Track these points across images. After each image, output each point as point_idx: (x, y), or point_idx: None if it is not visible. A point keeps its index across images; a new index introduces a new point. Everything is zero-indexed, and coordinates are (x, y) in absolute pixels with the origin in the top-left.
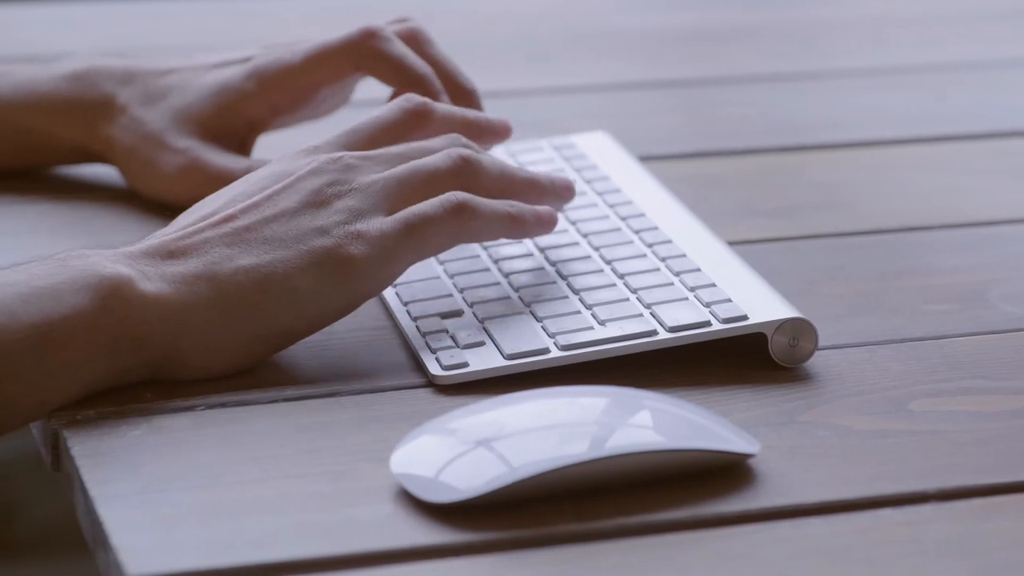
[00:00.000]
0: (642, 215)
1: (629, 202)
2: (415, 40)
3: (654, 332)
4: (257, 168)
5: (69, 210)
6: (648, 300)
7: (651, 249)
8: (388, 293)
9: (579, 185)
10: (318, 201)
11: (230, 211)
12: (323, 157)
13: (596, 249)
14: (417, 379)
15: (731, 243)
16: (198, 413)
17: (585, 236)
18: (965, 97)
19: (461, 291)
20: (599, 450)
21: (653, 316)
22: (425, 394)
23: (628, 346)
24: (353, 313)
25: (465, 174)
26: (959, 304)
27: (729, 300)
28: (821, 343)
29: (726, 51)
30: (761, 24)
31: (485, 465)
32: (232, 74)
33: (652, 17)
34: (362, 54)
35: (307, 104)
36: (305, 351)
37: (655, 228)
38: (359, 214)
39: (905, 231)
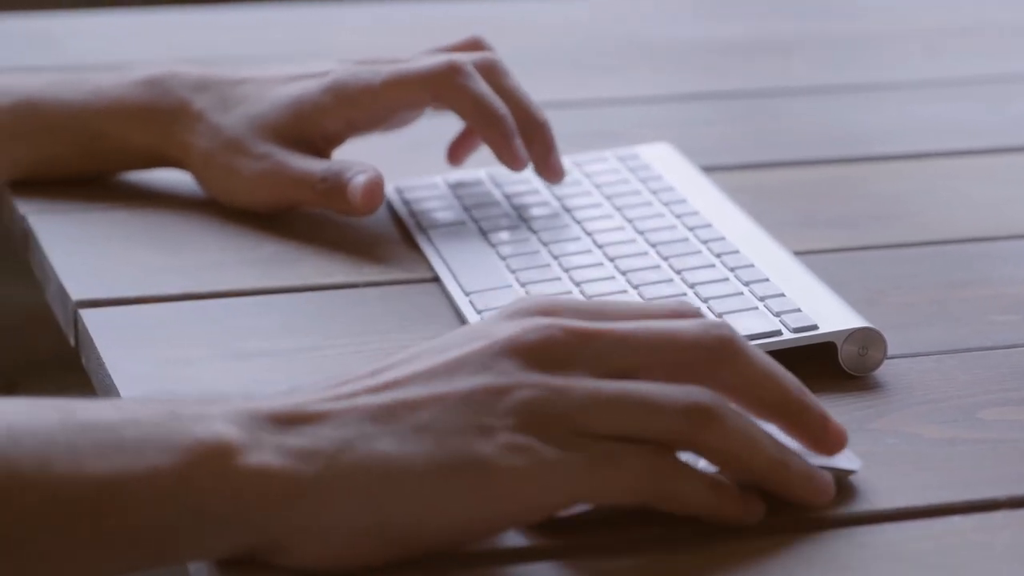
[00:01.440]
0: (709, 225)
1: (695, 212)
2: (491, 72)
3: None
4: (336, 168)
5: (143, 217)
6: (719, 309)
7: (720, 259)
8: (463, 301)
9: (645, 195)
10: (496, 389)
11: (401, 373)
12: (527, 326)
13: (665, 259)
14: None
15: (794, 253)
16: None
17: (654, 246)
18: (1022, 108)
19: (524, 285)
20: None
21: None
22: None
23: None
24: (425, 315)
25: (694, 425)
26: (1022, 315)
27: (799, 310)
28: (888, 352)
29: (780, 62)
30: (813, 35)
31: None
32: (309, 87)
33: (705, 27)
34: (443, 88)
35: (382, 123)
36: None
37: (722, 238)
38: (541, 425)
39: (968, 242)
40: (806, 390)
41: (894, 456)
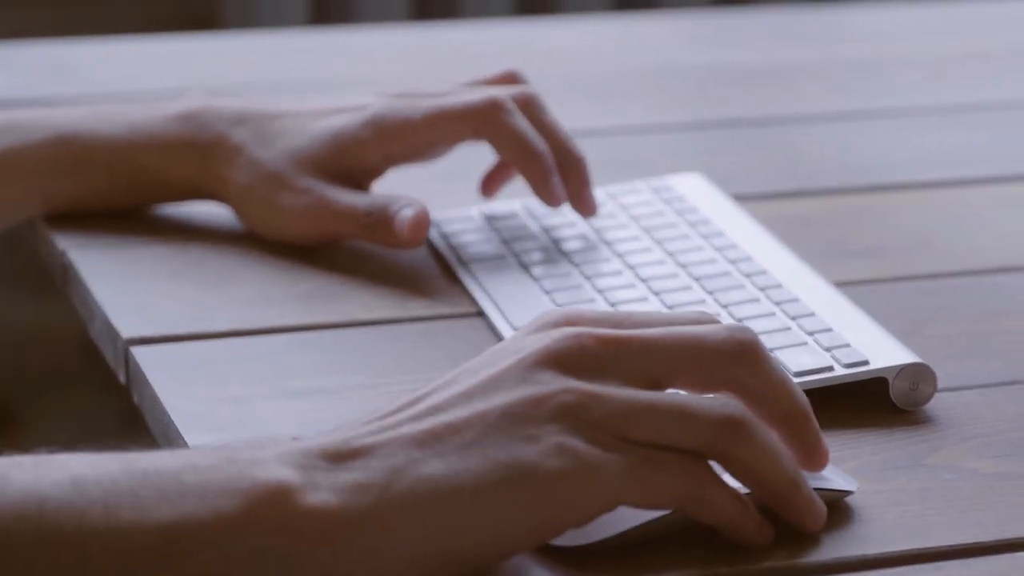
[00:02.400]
0: (750, 258)
1: (734, 245)
2: (529, 107)
3: None
4: (380, 202)
5: (183, 251)
6: (769, 345)
7: (764, 293)
8: (501, 322)
9: (682, 228)
10: (537, 399)
11: (440, 398)
12: (560, 337)
13: (710, 293)
14: None
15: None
16: None
17: (697, 280)
18: None
19: None
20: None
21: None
22: None
23: None
24: (472, 349)
25: (726, 436)
26: None
27: (848, 345)
28: None
29: (793, 88)
30: (823, 61)
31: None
32: (348, 121)
33: (718, 54)
34: (484, 124)
35: (421, 156)
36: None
37: (764, 272)
38: (578, 426)
39: (1000, 272)
40: (809, 404)
41: (952, 491)
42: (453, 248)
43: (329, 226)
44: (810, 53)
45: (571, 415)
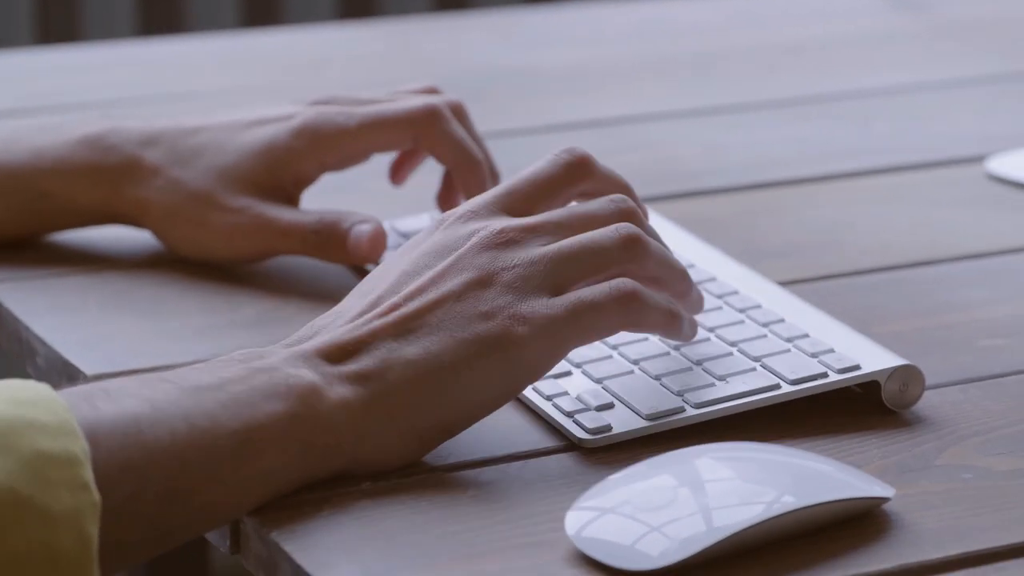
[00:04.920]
0: (692, 265)
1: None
2: (458, 116)
3: (777, 386)
4: (329, 219)
5: (109, 281)
6: (753, 354)
7: (723, 300)
8: None
9: None
10: (482, 281)
11: (395, 299)
12: (484, 232)
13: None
14: (554, 442)
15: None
16: (367, 491)
17: None
18: (887, 125)
19: None
20: (796, 503)
21: (766, 369)
22: (573, 458)
23: (755, 401)
24: None
25: (631, 255)
26: (1009, 338)
27: (832, 350)
28: None
29: (630, 88)
30: (653, 58)
31: (674, 530)
32: (277, 132)
33: (548, 56)
34: (422, 132)
35: (353, 164)
36: None
37: (714, 279)
38: (524, 295)
39: (914, 266)
40: (683, 265)
41: (976, 492)
42: None
43: (272, 244)
44: (644, 50)
45: (516, 287)
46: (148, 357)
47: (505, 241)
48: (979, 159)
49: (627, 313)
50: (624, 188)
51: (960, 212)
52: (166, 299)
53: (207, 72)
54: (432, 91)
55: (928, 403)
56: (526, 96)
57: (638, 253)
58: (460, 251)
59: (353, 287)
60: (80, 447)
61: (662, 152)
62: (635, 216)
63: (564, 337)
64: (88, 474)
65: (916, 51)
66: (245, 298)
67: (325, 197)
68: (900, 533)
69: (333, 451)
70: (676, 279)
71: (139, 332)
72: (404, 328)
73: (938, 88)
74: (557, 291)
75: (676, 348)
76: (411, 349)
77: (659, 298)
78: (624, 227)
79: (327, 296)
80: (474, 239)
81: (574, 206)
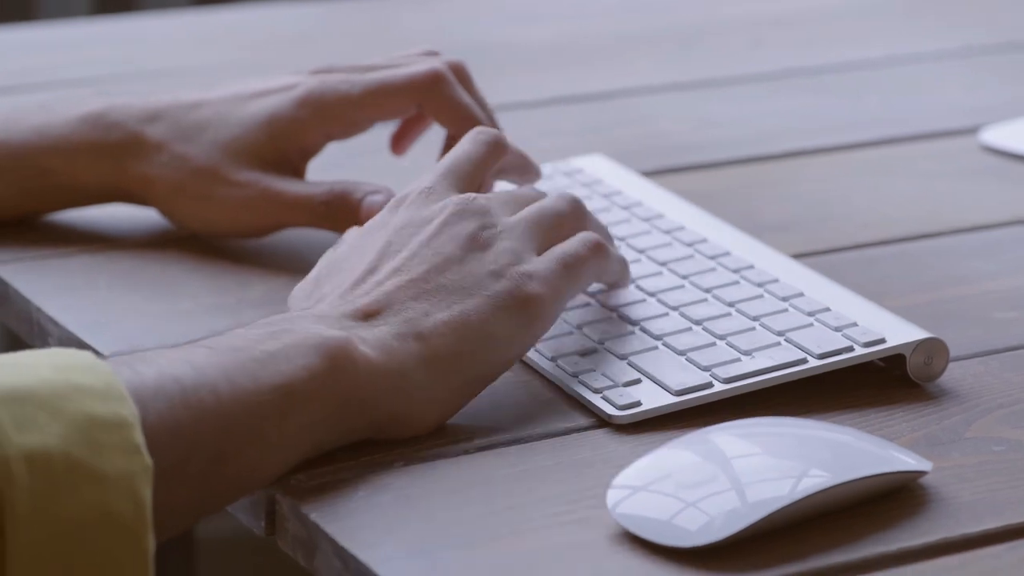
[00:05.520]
0: (705, 240)
1: (682, 227)
2: (462, 78)
3: (804, 360)
4: (339, 190)
5: (115, 260)
6: (776, 328)
7: (740, 275)
8: None
9: (617, 212)
10: (477, 245)
11: (394, 263)
12: (456, 200)
13: (684, 278)
14: (583, 420)
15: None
16: (403, 469)
17: (663, 265)
18: (877, 98)
19: (578, 327)
20: (835, 478)
21: (791, 344)
22: (605, 434)
23: (783, 375)
24: None
25: (581, 218)
26: (1018, 310)
27: (856, 324)
28: None
29: (622, 61)
30: (643, 31)
31: (717, 508)
32: (280, 102)
33: (528, 31)
34: (427, 96)
35: (360, 132)
36: None
37: (728, 253)
38: (518, 255)
39: (918, 239)
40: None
41: (1011, 464)
42: None
43: (280, 218)
44: (620, 25)
45: (512, 248)
46: (163, 336)
47: (479, 208)
48: (972, 131)
49: (600, 261)
50: (534, 164)
51: (958, 184)
52: (174, 278)
53: (187, 48)
54: (432, 54)
55: (950, 376)
56: (511, 71)
57: (586, 216)
58: (441, 218)
59: None
60: (129, 410)
61: (653, 126)
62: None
63: (563, 288)
64: (139, 437)
65: (899, 24)
66: (253, 276)
67: (324, 173)
68: (938, 507)
69: (370, 406)
70: (609, 239)
71: (151, 312)
72: (421, 292)
73: (925, 60)
74: (539, 252)
75: (698, 323)
76: (439, 311)
77: (614, 249)
78: (568, 195)
79: None
80: (449, 208)
81: (507, 191)
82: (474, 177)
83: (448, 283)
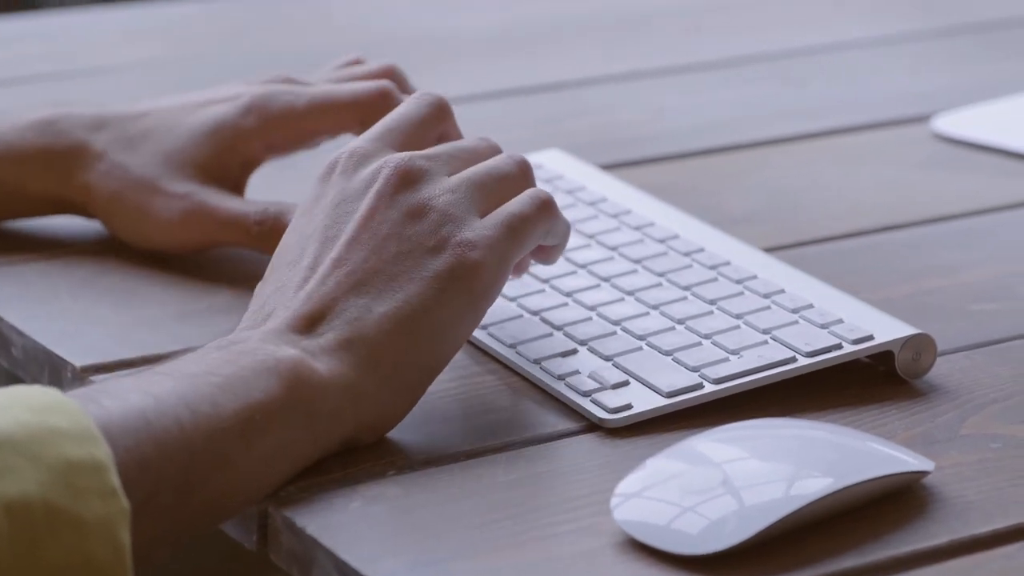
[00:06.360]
0: (677, 236)
1: (651, 223)
2: (402, 87)
3: (793, 359)
4: (273, 211)
5: (74, 268)
6: (762, 326)
7: (717, 271)
8: (482, 335)
9: (583, 208)
10: (415, 213)
11: (335, 253)
12: (392, 162)
13: (661, 275)
14: (573, 423)
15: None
16: (395, 479)
17: (638, 263)
18: (823, 85)
19: (559, 328)
20: (842, 481)
21: (778, 342)
22: (596, 438)
23: (774, 375)
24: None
25: (528, 180)
26: (999, 302)
27: (841, 320)
28: None
29: (562, 51)
30: (580, 18)
31: (726, 515)
32: (225, 111)
33: (450, 21)
34: (371, 113)
35: (299, 147)
36: (436, 409)
37: (702, 249)
38: (460, 221)
39: (887, 230)
40: None
41: (1009, 462)
42: None
43: (212, 234)
44: (546, 13)
45: (450, 214)
46: (133, 346)
47: (416, 170)
48: (922, 118)
49: (548, 220)
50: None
51: (918, 173)
52: (137, 285)
53: (120, 45)
54: (388, 73)
55: (938, 371)
56: (450, 63)
57: (532, 178)
58: (376, 188)
59: None
60: (103, 452)
61: (605, 118)
62: (500, 150)
63: (508, 252)
64: (115, 479)
65: (833, 10)
66: (219, 282)
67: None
68: (943, 507)
69: (335, 418)
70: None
71: (118, 320)
72: (360, 282)
73: (866, 46)
74: (482, 214)
75: (680, 322)
76: (380, 304)
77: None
78: (515, 155)
79: None
80: (384, 173)
81: (452, 143)
82: (412, 138)
83: (389, 268)
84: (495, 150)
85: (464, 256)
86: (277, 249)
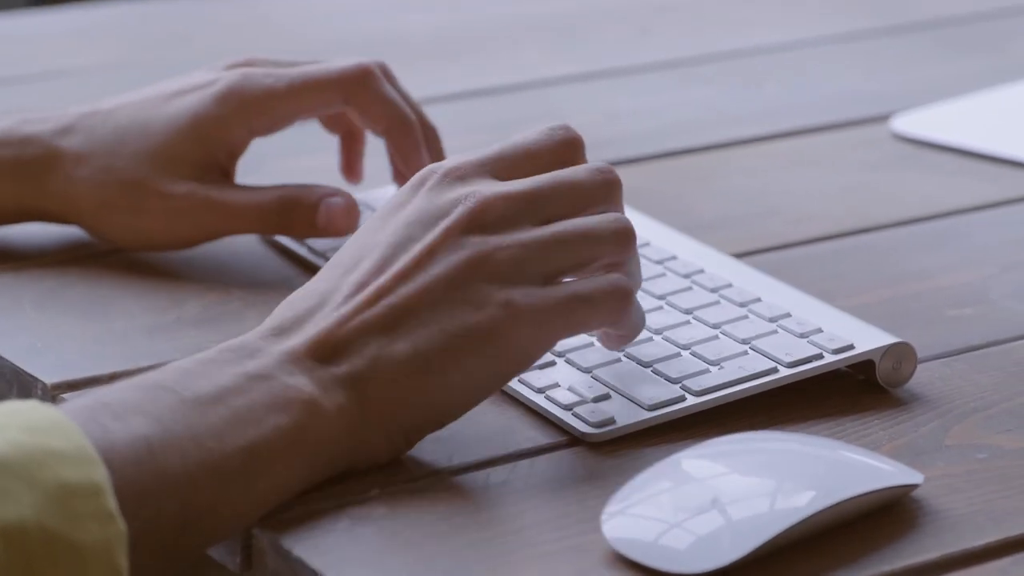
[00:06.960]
0: (648, 243)
1: None
2: (388, 77)
3: (775, 369)
4: (292, 195)
5: (37, 280)
6: (740, 336)
7: (691, 280)
8: None
9: None
10: (473, 263)
11: (383, 280)
12: (472, 202)
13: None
14: (554, 437)
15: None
16: (380, 499)
17: None
18: (777, 86)
19: None
20: (834, 496)
21: (758, 352)
22: (579, 453)
23: (755, 386)
24: None
25: (621, 250)
26: (975, 307)
27: (820, 330)
28: None
29: (507, 53)
30: (520, 19)
31: (719, 533)
32: (201, 100)
33: (400, 21)
34: (355, 91)
35: (285, 128)
36: None
37: (675, 257)
38: (516, 282)
39: (857, 234)
40: None
41: (999, 472)
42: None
43: (224, 227)
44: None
45: (506, 270)
46: (104, 361)
47: (496, 217)
48: (880, 118)
49: (617, 312)
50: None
51: (882, 175)
52: (103, 297)
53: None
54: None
55: (917, 380)
56: (397, 66)
57: (629, 249)
58: (447, 223)
59: (290, 276)
60: (101, 475)
61: (558, 121)
62: (619, 189)
63: (555, 329)
64: (112, 503)
65: (780, 9)
66: (186, 293)
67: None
68: (933, 520)
69: (335, 455)
70: (640, 283)
71: (86, 334)
72: (393, 320)
73: (816, 45)
74: (548, 279)
75: (657, 332)
76: (400, 346)
77: (638, 301)
78: (619, 219)
79: (269, 286)
80: (461, 208)
81: (559, 173)
82: (523, 169)
83: (425, 312)
84: (609, 185)
85: (500, 320)
86: (344, 245)
